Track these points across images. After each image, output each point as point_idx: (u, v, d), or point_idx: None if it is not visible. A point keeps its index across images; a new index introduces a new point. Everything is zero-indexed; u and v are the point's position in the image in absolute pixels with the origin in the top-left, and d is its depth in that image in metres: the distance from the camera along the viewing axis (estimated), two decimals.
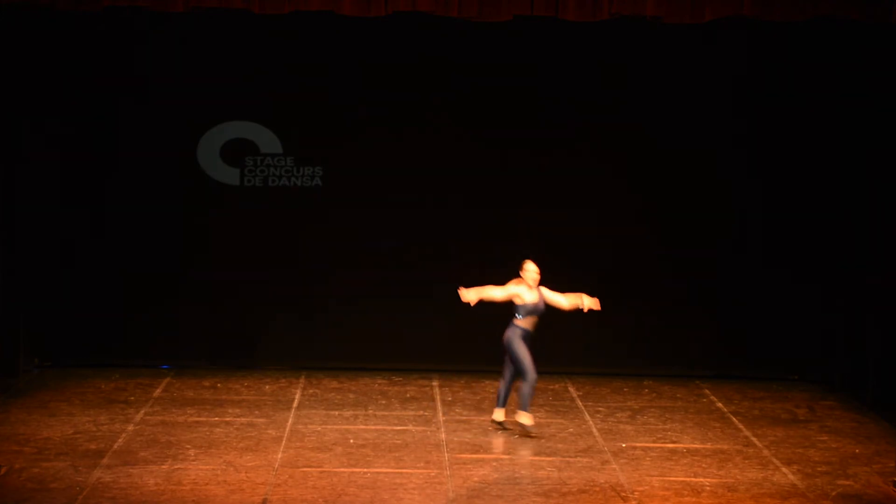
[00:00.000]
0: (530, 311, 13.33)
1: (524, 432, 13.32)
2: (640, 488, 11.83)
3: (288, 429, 13.47)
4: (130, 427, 13.41)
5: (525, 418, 13.35)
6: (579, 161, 15.90)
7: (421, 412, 14.31)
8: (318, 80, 15.75)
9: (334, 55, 15.69)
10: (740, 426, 13.95)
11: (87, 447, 12.65)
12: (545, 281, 15.85)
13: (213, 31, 15.31)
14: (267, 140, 15.89)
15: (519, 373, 13.36)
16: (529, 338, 13.37)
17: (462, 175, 15.91)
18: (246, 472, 11.98)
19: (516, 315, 13.36)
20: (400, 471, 12.16)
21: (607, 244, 15.94)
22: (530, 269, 13.38)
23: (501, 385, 13.60)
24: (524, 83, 15.79)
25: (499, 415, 13.65)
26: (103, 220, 15.77)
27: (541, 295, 13.37)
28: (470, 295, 13.26)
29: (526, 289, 13.34)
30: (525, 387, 13.33)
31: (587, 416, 14.24)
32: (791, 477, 12.30)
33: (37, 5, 12.72)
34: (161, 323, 15.91)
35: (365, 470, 12.16)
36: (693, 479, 12.16)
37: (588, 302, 13.47)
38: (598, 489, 11.78)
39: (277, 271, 15.96)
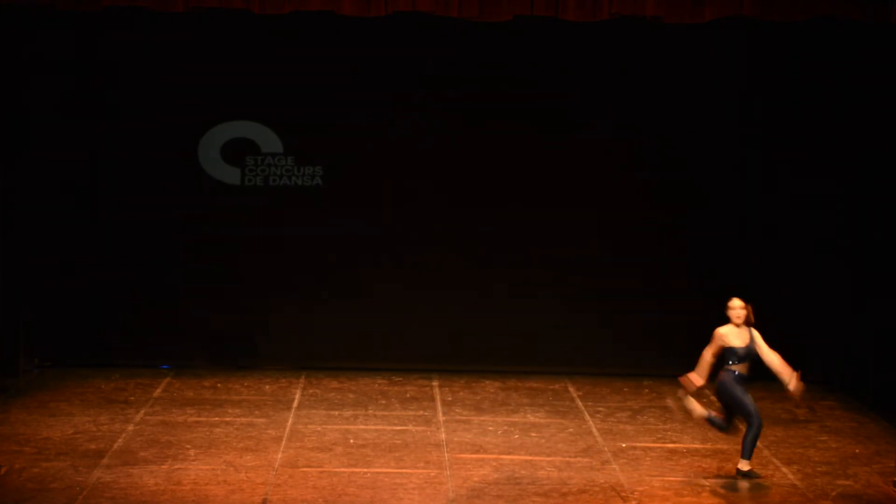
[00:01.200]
0: (742, 356, 12.03)
1: (742, 477, 12.17)
2: (640, 488, 11.84)
3: (288, 429, 13.47)
4: (130, 427, 13.41)
5: (745, 465, 12.18)
6: (580, 161, 15.90)
7: (421, 412, 14.31)
8: (318, 79, 15.76)
9: (334, 55, 15.69)
10: (740, 426, 13.93)
11: (87, 447, 12.66)
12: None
13: (213, 31, 15.33)
14: (268, 139, 15.89)
15: (742, 417, 12.14)
16: (744, 381, 12.08)
17: (462, 174, 15.91)
18: (246, 472, 11.98)
19: (729, 361, 12.06)
20: (400, 471, 12.16)
21: (608, 244, 15.94)
22: (734, 307, 12.08)
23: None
24: (524, 83, 15.80)
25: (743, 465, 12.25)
26: (103, 219, 15.77)
27: (751, 336, 12.08)
28: (698, 381, 12.07)
29: (734, 331, 12.05)
30: (750, 433, 12.11)
31: (587, 416, 14.24)
32: (791, 477, 12.30)
33: (37, 5, 12.70)
34: (161, 323, 15.92)
35: (365, 470, 12.16)
36: (693, 479, 12.16)
37: (795, 384, 12.16)
38: (598, 489, 11.78)
39: (278, 271, 15.97)
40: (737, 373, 12.09)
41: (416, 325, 16.03)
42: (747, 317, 12.15)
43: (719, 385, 12.12)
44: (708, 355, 12.09)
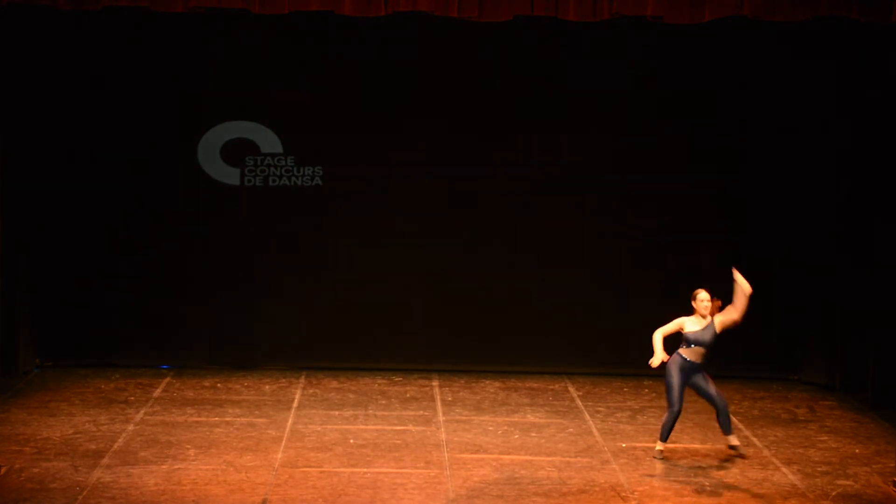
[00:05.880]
0: (690, 341, 12.60)
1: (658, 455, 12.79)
2: (640, 488, 11.84)
3: (288, 429, 13.47)
4: (130, 427, 13.41)
5: (659, 445, 12.81)
6: (581, 161, 15.89)
7: (421, 412, 14.31)
8: (318, 80, 15.77)
9: (334, 55, 15.70)
10: (740, 426, 13.95)
11: (87, 447, 12.66)
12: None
13: (213, 31, 15.33)
14: (267, 140, 15.89)
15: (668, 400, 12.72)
16: (693, 370, 12.62)
17: (463, 174, 15.91)
18: (246, 472, 11.98)
19: (681, 345, 12.68)
20: (400, 471, 12.16)
21: (608, 245, 15.94)
22: (700, 299, 12.62)
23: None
24: (524, 83, 15.81)
25: (734, 440, 12.92)
26: (103, 219, 15.75)
27: (711, 325, 12.59)
28: (658, 357, 12.61)
29: (694, 319, 12.63)
30: (667, 417, 12.69)
31: (587, 416, 14.24)
32: (791, 477, 12.31)
33: (37, 5, 12.70)
34: (161, 323, 15.92)
35: (365, 470, 12.17)
36: (693, 479, 12.16)
37: (741, 281, 12.50)
38: (598, 489, 11.78)
39: (278, 271, 15.97)
40: (685, 358, 12.65)
41: (416, 325, 16.03)
42: (712, 310, 12.66)
43: (666, 366, 12.70)
44: (657, 335, 12.72)
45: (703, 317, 12.67)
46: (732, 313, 12.62)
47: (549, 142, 15.90)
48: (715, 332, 12.63)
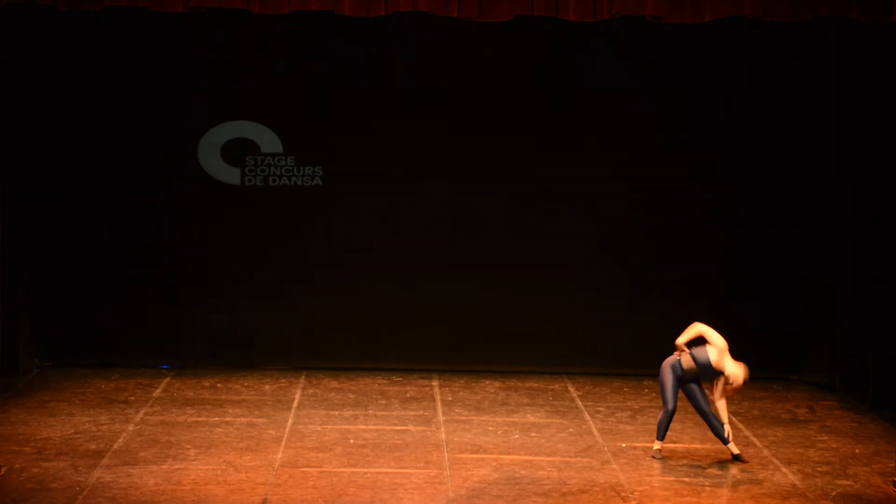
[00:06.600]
0: (693, 355, 12.52)
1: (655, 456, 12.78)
2: (640, 488, 11.84)
3: (288, 429, 13.47)
4: (130, 427, 13.41)
5: (656, 444, 12.77)
6: (581, 161, 15.89)
7: (421, 412, 14.31)
8: (318, 79, 15.78)
9: (334, 55, 15.70)
10: (740, 426, 13.95)
11: (87, 447, 12.66)
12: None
13: (213, 31, 15.34)
14: (267, 140, 15.90)
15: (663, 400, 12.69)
16: (684, 375, 12.52)
17: (463, 175, 15.91)
18: (246, 472, 11.98)
19: (687, 349, 12.61)
20: (400, 471, 12.16)
21: (608, 244, 15.94)
22: (735, 381, 12.55)
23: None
24: (524, 83, 15.81)
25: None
26: (103, 219, 15.76)
27: (716, 372, 12.53)
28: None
29: (717, 352, 12.51)
30: (661, 415, 12.67)
31: (587, 416, 14.24)
32: (791, 477, 12.31)
33: (37, 5, 12.70)
34: (161, 323, 15.92)
35: (365, 470, 12.16)
36: (693, 479, 12.16)
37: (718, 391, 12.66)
38: (598, 489, 11.78)
39: (278, 271, 15.97)
40: (678, 360, 12.55)
41: (416, 325, 16.03)
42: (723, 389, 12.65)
43: (661, 366, 12.67)
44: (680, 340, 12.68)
45: (721, 354, 12.49)
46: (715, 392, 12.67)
47: (550, 142, 15.89)
48: (714, 374, 12.53)
